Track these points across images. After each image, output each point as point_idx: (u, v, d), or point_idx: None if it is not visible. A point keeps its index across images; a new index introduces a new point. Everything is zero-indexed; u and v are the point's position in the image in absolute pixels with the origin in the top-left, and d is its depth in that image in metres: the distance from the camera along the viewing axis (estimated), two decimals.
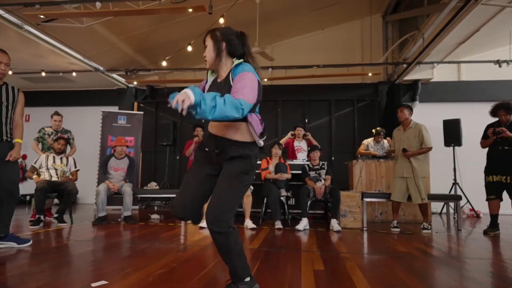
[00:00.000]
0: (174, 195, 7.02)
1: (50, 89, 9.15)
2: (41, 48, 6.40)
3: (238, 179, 1.77)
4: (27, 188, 8.66)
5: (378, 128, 6.26)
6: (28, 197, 8.30)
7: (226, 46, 1.82)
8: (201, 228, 4.56)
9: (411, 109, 4.86)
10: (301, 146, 6.31)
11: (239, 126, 1.78)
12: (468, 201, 6.62)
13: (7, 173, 3.12)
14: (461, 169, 6.71)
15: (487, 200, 4.56)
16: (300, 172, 5.35)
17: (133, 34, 6.91)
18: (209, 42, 1.85)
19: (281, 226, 4.68)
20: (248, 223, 4.70)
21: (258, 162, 5.69)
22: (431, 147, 4.67)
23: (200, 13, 5.26)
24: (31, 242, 3.26)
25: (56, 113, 5.55)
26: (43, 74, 7.46)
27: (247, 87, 1.67)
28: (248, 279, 1.83)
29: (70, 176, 5.10)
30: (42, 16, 5.25)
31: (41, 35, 6.05)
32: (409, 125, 4.78)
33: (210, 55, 1.84)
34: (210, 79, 1.94)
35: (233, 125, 1.78)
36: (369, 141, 6.33)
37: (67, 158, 5.18)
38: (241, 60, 1.83)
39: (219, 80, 1.87)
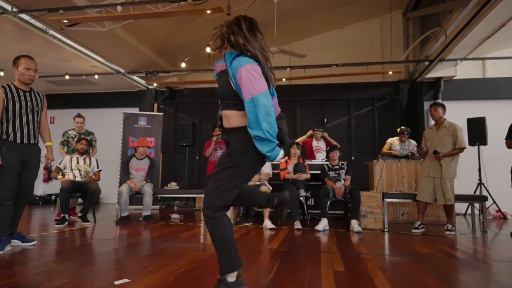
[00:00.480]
0: (194, 195, 7.10)
1: (73, 92, 9.42)
2: (65, 52, 6.60)
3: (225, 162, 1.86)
4: (52, 188, 8.96)
5: (402, 127, 6.14)
6: (53, 196, 8.57)
7: (229, 38, 1.93)
8: None
9: (444, 107, 4.68)
10: (319, 146, 6.26)
11: (229, 115, 1.90)
12: (494, 202, 6.39)
13: (28, 174, 3.23)
14: (487, 169, 6.49)
15: None
16: (319, 172, 5.30)
17: (152, 36, 7.03)
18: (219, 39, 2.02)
19: (300, 227, 4.65)
20: (267, 223, 4.70)
21: (277, 162, 5.69)
22: (465, 147, 4.51)
23: (218, 14, 5.30)
24: (35, 242, 3.27)
25: (78, 115, 5.70)
26: (67, 77, 7.69)
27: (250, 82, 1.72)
28: (231, 279, 1.80)
29: (93, 176, 5.23)
30: (65, 21, 5.41)
31: (65, 39, 6.24)
32: (442, 124, 4.62)
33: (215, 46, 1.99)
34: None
35: (225, 115, 1.93)
36: (393, 140, 6.21)
37: (90, 158, 5.32)
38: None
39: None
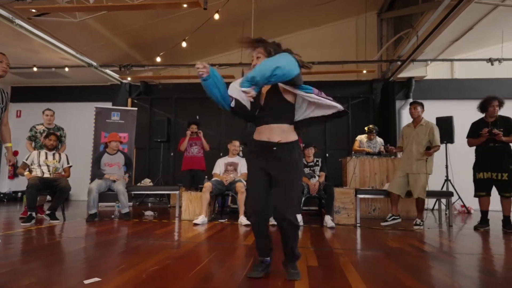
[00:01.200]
0: (168, 192, 7.01)
1: (42, 85, 9.04)
2: (33, 43, 6.31)
3: None
4: (18, 184, 8.59)
5: (370, 126, 6.31)
6: (19, 193, 8.22)
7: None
8: (196, 224, 4.56)
9: (423, 106, 4.88)
10: None
11: (287, 129, 2.22)
12: (459, 197, 6.69)
13: None
14: (453, 166, 6.79)
15: (475, 196, 4.62)
16: None
17: (127, 29, 6.85)
18: (261, 54, 2.17)
19: (275, 223, 4.68)
20: (242, 220, 4.70)
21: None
22: (440, 146, 4.71)
23: (195, 9, 5.24)
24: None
25: (48, 109, 5.49)
26: (35, 69, 7.37)
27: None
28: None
29: (63, 173, 5.06)
30: (33, 10, 5.18)
31: (33, 29, 5.97)
32: (420, 122, 4.79)
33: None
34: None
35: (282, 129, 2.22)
36: (362, 137, 6.37)
37: (59, 154, 5.14)
38: None
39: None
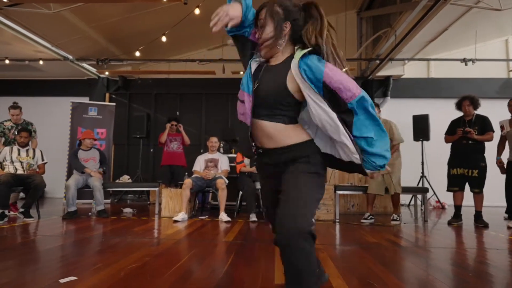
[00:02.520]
0: (147, 189, 6.91)
1: (15, 78, 8.70)
2: (5, 34, 6.06)
3: None
4: None
5: None
6: None
7: (292, 27, 1.42)
8: (176, 221, 4.52)
9: (378, 107, 5.04)
10: None
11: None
12: (434, 193, 6.91)
13: None
14: (429, 163, 6.99)
15: (448, 191, 4.78)
16: None
17: (104, 22, 6.67)
18: (267, 20, 1.41)
19: (255, 219, 4.70)
20: (223, 216, 4.70)
21: (234, 155, 5.70)
22: (402, 141, 4.81)
23: (175, 3, 5.15)
24: None
25: (13, 107, 5.24)
26: (7, 61, 7.08)
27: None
28: None
29: (37, 169, 4.90)
30: (5, 0, 4.97)
31: (4, 20, 5.72)
32: None
33: (268, 36, 1.40)
34: (254, 64, 1.49)
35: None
36: None
37: (33, 150, 4.97)
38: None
39: (272, 64, 1.46)
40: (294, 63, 1.35)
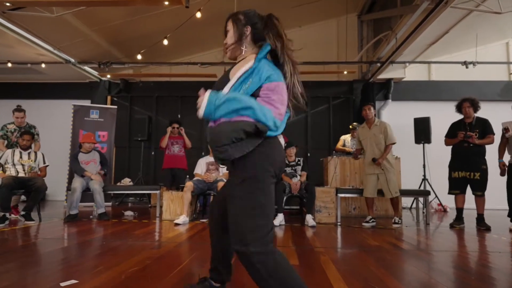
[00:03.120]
0: (149, 191, 6.92)
1: (17, 81, 8.74)
2: (8, 37, 6.09)
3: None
4: None
5: (354, 124, 6.42)
6: None
7: (252, 31, 1.59)
8: (177, 224, 4.52)
9: (375, 107, 5.09)
10: None
11: None
12: (436, 196, 6.89)
13: None
14: (430, 166, 6.97)
15: (449, 193, 4.77)
16: None
17: (106, 25, 6.70)
18: (230, 27, 1.61)
19: None
20: None
21: None
22: (395, 142, 4.82)
23: (177, 6, 5.18)
24: None
25: (18, 110, 5.27)
26: (9, 65, 7.12)
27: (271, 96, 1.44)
28: None
29: (39, 172, 4.91)
30: (8, 4, 4.99)
31: (7, 23, 5.75)
32: (374, 123, 4.92)
33: (232, 41, 1.59)
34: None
35: None
36: (346, 137, 6.48)
37: (35, 153, 4.99)
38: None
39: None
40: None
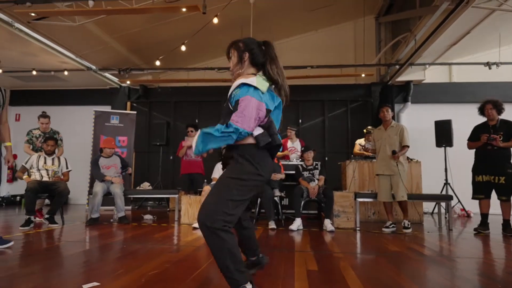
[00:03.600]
0: (167, 196, 7.00)
1: (41, 88, 9.04)
2: (32, 46, 6.32)
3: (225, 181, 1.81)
4: (17, 188, 8.57)
5: (368, 127, 6.32)
6: (18, 197, 8.19)
7: (250, 56, 1.90)
8: (194, 228, 4.55)
9: (393, 109, 5.00)
10: (294, 147, 6.33)
11: None
12: (459, 201, 6.69)
13: None
14: (452, 170, 6.79)
15: (473, 198, 4.63)
16: (293, 172, 5.36)
17: (126, 33, 6.86)
18: (232, 53, 1.96)
19: (274, 226, 4.68)
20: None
21: None
22: (408, 146, 4.76)
23: (194, 13, 5.25)
24: (12, 244, 3.11)
25: (43, 116, 5.46)
26: (34, 72, 7.37)
27: (240, 111, 1.72)
28: None
29: (62, 177, 5.05)
30: (33, 14, 5.19)
31: (32, 33, 5.97)
32: (390, 124, 4.85)
33: (234, 64, 1.94)
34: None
35: None
36: (361, 141, 6.39)
37: (58, 158, 5.13)
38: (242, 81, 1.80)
39: None
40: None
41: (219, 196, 1.74)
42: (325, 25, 8.53)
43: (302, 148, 5.57)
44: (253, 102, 1.73)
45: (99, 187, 5.01)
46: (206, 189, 4.88)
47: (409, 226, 4.67)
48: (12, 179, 8.85)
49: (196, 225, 4.61)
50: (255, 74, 1.85)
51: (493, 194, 4.51)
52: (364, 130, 6.35)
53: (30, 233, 4.02)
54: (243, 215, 2.09)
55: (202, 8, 4.84)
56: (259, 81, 1.79)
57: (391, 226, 4.67)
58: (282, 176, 5.27)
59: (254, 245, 2.20)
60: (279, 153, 5.15)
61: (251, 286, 1.73)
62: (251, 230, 2.18)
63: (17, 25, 5.64)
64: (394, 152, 4.66)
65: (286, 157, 6.20)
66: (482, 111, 4.65)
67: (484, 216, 4.56)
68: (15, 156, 8.60)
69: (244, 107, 1.71)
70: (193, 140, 1.77)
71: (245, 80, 1.78)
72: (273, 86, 1.88)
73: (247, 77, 1.81)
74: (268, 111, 1.81)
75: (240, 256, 1.75)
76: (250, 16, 6.30)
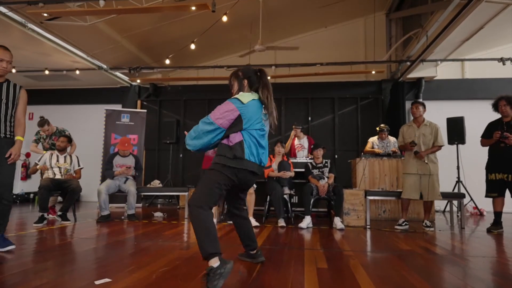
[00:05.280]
0: (177, 193, 7.05)
1: (53, 87, 9.19)
2: (45, 46, 6.42)
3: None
4: (31, 186, 8.74)
5: (382, 125, 6.25)
6: (32, 195, 8.35)
7: (248, 82, 2.40)
8: None
9: (425, 106, 4.81)
10: (301, 144, 6.31)
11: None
12: (471, 199, 6.59)
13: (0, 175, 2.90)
14: (465, 167, 6.69)
15: (486, 196, 4.55)
16: (303, 170, 5.34)
17: (136, 32, 6.92)
18: (233, 80, 2.45)
19: (284, 224, 4.68)
20: (251, 221, 4.70)
21: None
22: (443, 145, 4.67)
23: (203, 11, 5.26)
24: (13, 247, 2.98)
25: (40, 124, 5.36)
26: (47, 72, 7.49)
27: (217, 108, 2.29)
28: (214, 263, 1.96)
29: (74, 174, 5.13)
30: (45, 14, 5.27)
31: (44, 33, 6.07)
32: (423, 122, 4.74)
33: (235, 90, 2.42)
34: None
35: None
36: (374, 139, 6.32)
37: (70, 156, 5.21)
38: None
39: None
40: None
41: (203, 183, 2.23)
42: (335, 22, 8.47)
43: (312, 146, 5.54)
44: (226, 104, 2.27)
45: (103, 186, 5.08)
46: None
47: (431, 225, 4.62)
48: (26, 176, 9.03)
49: None
50: None
51: (507, 193, 4.43)
52: (377, 128, 6.29)
53: (43, 230, 4.10)
54: (235, 204, 2.58)
55: (212, 6, 4.85)
56: (243, 94, 2.32)
57: (404, 224, 4.63)
58: (292, 174, 5.26)
59: (252, 237, 2.59)
60: (266, 170, 5.11)
61: (218, 260, 1.97)
62: (246, 220, 2.60)
63: (30, 25, 5.74)
64: (416, 153, 4.59)
65: (293, 155, 6.18)
66: (496, 107, 4.56)
67: (498, 214, 4.48)
68: (28, 154, 8.77)
69: (220, 106, 2.28)
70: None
71: (237, 95, 2.34)
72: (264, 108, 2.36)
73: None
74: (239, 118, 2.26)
75: (215, 231, 2.07)
76: (259, 13, 6.28)
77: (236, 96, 2.31)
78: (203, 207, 2.08)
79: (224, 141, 2.28)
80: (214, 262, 1.96)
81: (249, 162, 2.26)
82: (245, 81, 2.38)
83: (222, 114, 2.21)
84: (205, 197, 2.13)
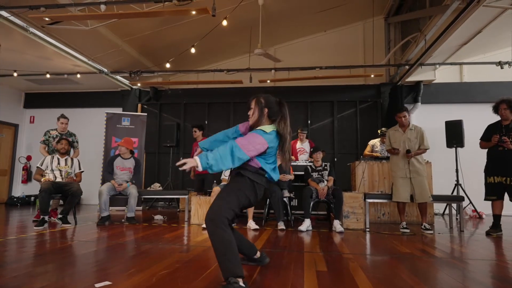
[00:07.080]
0: (177, 196, 7.05)
1: (54, 91, 9.22)
2: (46, 50, 6.46)
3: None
4: (31, 189, 8.74)
5: (383, 129, 6.28)
6: (32, 198, 8.36)
7: (268, 111, 2.33)
8: (204, 229, 4.58)
9: (408, 110, 4.94)
10: (303, 147, 6.33)
11: None
12: (470, 202, 6.61)
13: None
14: (464, 170, 6.71)
15: (485, 200, 4.57)
16: (303, 173, 5.36)
17: (137, 36, 6.96)
18: (254, 106, 2.36)
19: (284, 227, 4.69)
20: (251, 224, 4.72)
21: None
22: (428, 149, 4.76)
23: (204, 15, 5.30)
24: None
25: (63, 116, 5.60)
26: (48, 76, 7.52)
27: (247, 139, 2.18)
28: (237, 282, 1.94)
29: (75, 177, 5.14)
30: (47, 19, 5.30)
31: (46, 37, 6.11)
32: (408, 127, 4.82)
33: (255, 116, 2.35)
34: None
35: None
36: (375, 141, 6.36)
37: (71, 159, 5.23)
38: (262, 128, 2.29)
39: None
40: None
41: (224, 199, 2.16)
42: (334, 26, 8.52)
43: (311, 149, 5.57)
44: (257, 137, 2.20)
45: (104, 187, 5.09)
46: (216, 189, 4.92)
47: (430, 228, 4.65)
48: (27, 180, 9.04)
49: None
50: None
51: (506, 196, 4.45)
52: (379, 131, 6.32)
53: (44, 233, 4.11)
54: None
55: (212, 11, 4.88)
56: (267, 127, 2.29)
57: (405, 228, 4.67)
58: (291, 177, 5.28)
59: (248, 243, 2.61)
60: None
61: (242, 282, 1.96)
62: (234, 231, 2.46)
63: (31, 29, 5.78)
64: (408, 151, 4.65)
65: (295, 158, 6.21)
66: (496, 110, 4.59)
67: (497, 217, 4.50)
68: (29, 158, 8.79)
69: (250, 136, 2.20)
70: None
71: (261, 127, 2.29)
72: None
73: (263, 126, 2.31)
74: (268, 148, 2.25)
75: (237, 251, 2.05)
76: (259, 18, 6.32)
77: (262, 128, 2.26)
78: (224, 223, 2.06)
79: (252, 163, 2.29)
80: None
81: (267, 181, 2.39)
82: (266, 110, 2.34)
83: (255, 147, 2.17)
84: (228, 211, 2.11)
